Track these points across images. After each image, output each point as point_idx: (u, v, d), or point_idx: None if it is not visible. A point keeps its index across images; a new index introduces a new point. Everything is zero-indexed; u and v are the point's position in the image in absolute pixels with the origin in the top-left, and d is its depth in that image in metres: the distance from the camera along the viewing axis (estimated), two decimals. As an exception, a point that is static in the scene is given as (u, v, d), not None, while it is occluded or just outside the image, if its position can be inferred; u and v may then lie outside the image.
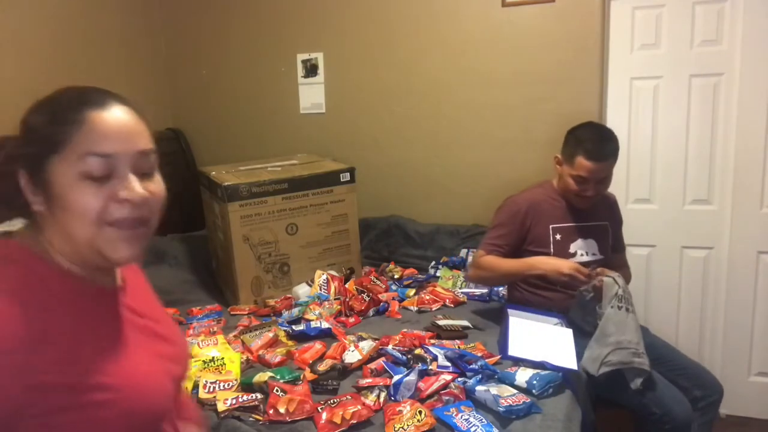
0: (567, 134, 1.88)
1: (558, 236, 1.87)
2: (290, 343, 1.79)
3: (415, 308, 2.09)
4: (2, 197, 0.76)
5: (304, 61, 2.92)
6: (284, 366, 1.60)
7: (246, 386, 1.47)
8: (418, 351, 1.62)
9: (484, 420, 1.29)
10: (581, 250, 1.88)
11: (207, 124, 3.17)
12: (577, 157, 1.77)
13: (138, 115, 0.82)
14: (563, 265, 1.72)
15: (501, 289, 2.14)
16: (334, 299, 2.11)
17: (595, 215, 1.93)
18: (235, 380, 1.49)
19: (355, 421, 1.30)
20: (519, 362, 1.56)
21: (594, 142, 1.77)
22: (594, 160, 1.75)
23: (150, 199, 0.77)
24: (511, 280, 1.94)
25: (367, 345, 1.65)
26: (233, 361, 1.58)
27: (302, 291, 2.21)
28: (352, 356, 1.61)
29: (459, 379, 1.48)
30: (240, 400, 1.37)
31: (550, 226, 1.88)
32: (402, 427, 1.26)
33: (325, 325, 1.84)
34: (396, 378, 1.44)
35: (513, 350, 1.60)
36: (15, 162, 0.75)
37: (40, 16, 2.45)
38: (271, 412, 1.33)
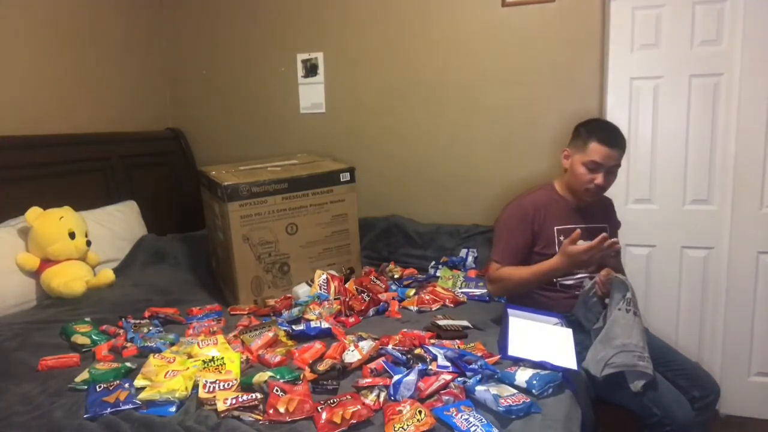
0: (577, 127, 1.92)
1: (562, 238, 1.87)
2: (290, 342, 1.79)
3: (415, 308, 2.09)
4: None
5: (304, 61, 2.93)
6: (284, 366, 1.60)
7: (246, 386, 1.47)
8: (418, 351, 1.62)
9: (483, 420, 1.28)
10: None
11: (207, 124, 3.18)
12: (591, 143, 1.82)
13: None
14: (579, 256, 1.70)
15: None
16: (334, 299, 2.11)
17: (595, 217, 1.95)
18: (235, 380, 1.49)
19: (355, 421, 1.30)
20: (519, 362, 1.56)
21: (607, 131, 1.85)
22: (608, 146, 1.80)
23: None
24: (536, 286, 1.89)
25: (367, 345, 1.64)
26: (233, 360, 1.57)
27: (302, 291, 2.21)
28: (352, 356, 1.60)
29: (459, 379, 1.48)
30: (240, 399, 1.37)
31: (555, 228, 1.89)
32: (402, 427, 1.26)
33: (325, 325, 1.84)
34: (396, 378, 1.44)
35: (513, 350, 1.60)
36: None
37: (42, 16, 2.45)
38: (270, 411, 1.33)
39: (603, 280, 1.73)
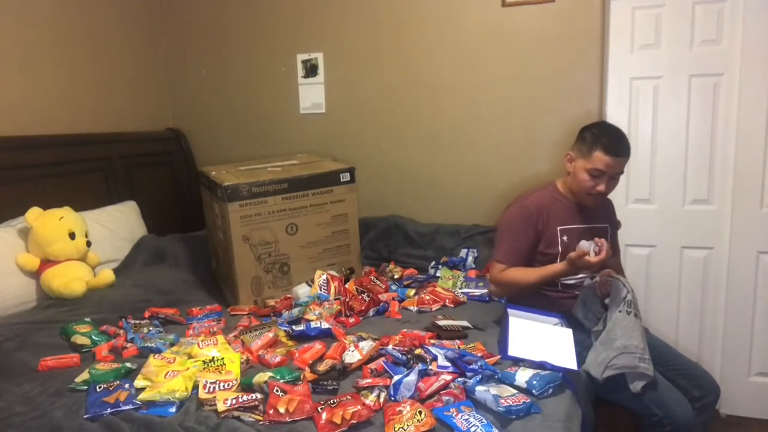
0: (582, 131, 1.89)
1: (565, 237, 1.87)
2: (290, 343, 1.79)
3: (415, 308, 2.09)
4: None
5: (304, 61, 2.93)
6: (284, 366, 1.60)
7: (246, 386, 1.47)
8: (418, 351, 1.62)
9: (484, 420, 1.28)
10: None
11: (207, 124, 3.18)
12: (595, 151, 1.80)
13: None
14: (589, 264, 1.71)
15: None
16: (334, 299, 2.11)
17: (597, 217, 1.95)
18: (235, 380, 1.49)
19: (355, 421, 1.30)
20: (519, 362, 1.56)
21: (612, 139, 1.81)
22: (612, 155, 1.78)
23: None
24: (542, 287, 1.89)
25: (367, 345, 1.64)
26: (233, 361, 1.57)
27: (302, 291, 2.21)
28: (352, 356, 1.60)
29: (459, 379, 1.48)
30: (240, 400, 1.37)
31: (558, 228, 1.89)
32: (402, 427, 1.26)
33: (325, 325, 1.84)
34: (396, 378, 1.44)
35: (513, 350, 1.60)
36: None
37: (42, 16, 2.45)
38: (271, 412, 1.33)
39: (602, 280, 1.73)
